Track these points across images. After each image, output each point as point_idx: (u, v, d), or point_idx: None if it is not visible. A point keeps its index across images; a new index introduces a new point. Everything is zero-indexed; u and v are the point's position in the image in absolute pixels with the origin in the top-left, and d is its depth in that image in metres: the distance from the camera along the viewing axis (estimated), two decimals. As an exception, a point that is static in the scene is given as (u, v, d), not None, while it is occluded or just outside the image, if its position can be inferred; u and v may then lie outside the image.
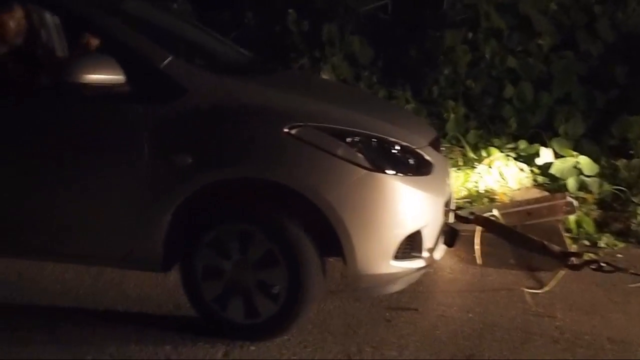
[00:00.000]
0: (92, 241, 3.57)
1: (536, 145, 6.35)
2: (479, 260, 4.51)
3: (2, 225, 3.62)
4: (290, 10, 7.52)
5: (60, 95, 3.47)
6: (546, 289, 4.22)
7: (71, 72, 3.31)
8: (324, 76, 6.91)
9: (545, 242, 3.88)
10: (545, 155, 6.17)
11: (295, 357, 3.44)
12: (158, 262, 3.51)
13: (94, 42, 4.03)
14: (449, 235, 3.76)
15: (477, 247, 4.45)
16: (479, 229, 4.30)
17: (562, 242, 4.22)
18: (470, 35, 7.23)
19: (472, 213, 4.05)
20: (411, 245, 3.48)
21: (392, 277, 3.50)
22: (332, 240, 3.36)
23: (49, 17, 4.61)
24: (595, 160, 6.01)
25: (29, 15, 4.04)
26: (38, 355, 3.38)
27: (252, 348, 3.49)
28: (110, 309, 3.91)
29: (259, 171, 3.37)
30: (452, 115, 6.87)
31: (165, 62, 3.42)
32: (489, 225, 4.11)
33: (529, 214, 4.38)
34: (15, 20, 3.91)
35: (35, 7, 4.17)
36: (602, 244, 5.12)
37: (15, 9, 3.90)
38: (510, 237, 4.09)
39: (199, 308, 3.59)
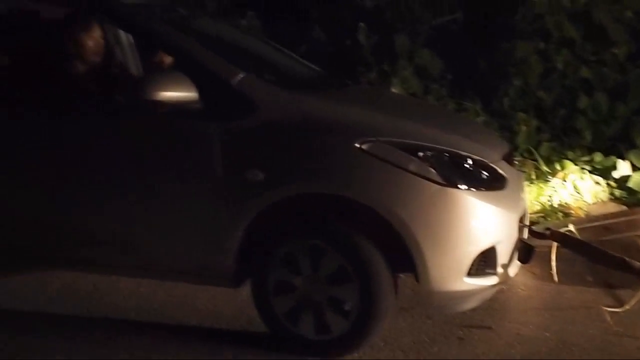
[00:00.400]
0: (166, 256, 3.62)
1: (612, 157, 6.16)
2: (555, 278, 4.39)
3: (79, 240, 3.70)
4: (361, 24, 7.51)
5: (135, 113, 3.53)
6: (626, 307, 4.06)
7: (146, 90, 3.36)
8: (394, 90, 6.87)
9: (626, 258, 3.74)
10: (623, 168, 5.98)
11: (366, 375, 3.41)
12: (230, 277, 3.54)
13: (167, 59, 4.13)
14: (524, 251, 3.67)
15: (553, 263, 4.33)
16: (555, 244, 4.19)
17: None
18: (541, 45, 7.08)
19: (547, 228, 3.94)
20: (485, 261, 3.42)
21: (466, 294, 3.44)
22: (404, 256, 3.32)
23: (123, 36, 4.75)
24: (676, 172, 5.80)
25: (105, 34, 4.15)
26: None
27: (324, 365, 3.47)
28: (183, 323, 3.95)
29: (331, 187, 3.35)
30: (524, 128, 6.72)
31: (238, 78, 3.45)
32: (565, 240, 4.00)
33: (607, 229, 4.26)
34: (93, 39, 4.01)
35: (110, 26, 4.29)
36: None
37: (93, 28, 4.00)
38: (589, 253, 3.96)
39: (270, 323, 3.59)
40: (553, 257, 4.32)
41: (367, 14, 7.70)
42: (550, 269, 4.41)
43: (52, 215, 3.71)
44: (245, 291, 3.89)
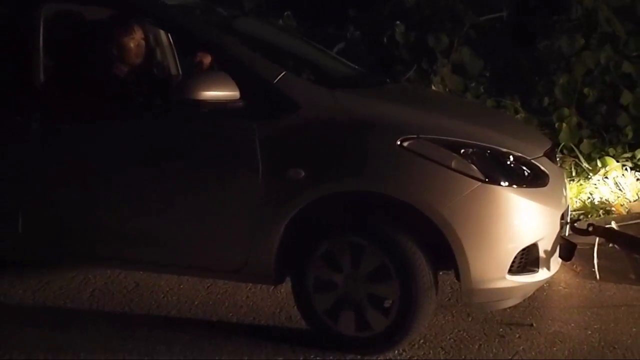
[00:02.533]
0: (207, 254, 3.65)
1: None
2: (597, 275, 4.35)
3: (123, 238, 3.75)
4: (397, 22, 7.50)
5: (179, 112, 3.57)
6: (670, 305, 4.03)
7: (188, 89, 3.40)
8: (434, 87, 6.84)
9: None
10: (664, 164, 5.91)
11: (407, 372, 3.41)
12: (270, 274, 3.55)
13: (206, 60, 4.17)
14: (566, 248, 3.63)
15: (595, 260, 4.28)
16: (597, 241, 4.14)
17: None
18: (583, 42, 6.99)
19: (590, 224, 3.89)
20: (527, 258, 3.40)
21: (507, 292, 3.42)
22: (444, 253, 3.31)
23: (164, 36, 4.81)
24: None
25: (146, 35, 4.19)
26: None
27: (364, 362, 3.48)
28: (224, 320, 3.98)
29: (372, 184, 3.36)
30: (565, 125, 6.66)
31: (279, 77, 3.47)
32: (610, 235, 3.96)
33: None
34: (135, 41, 4.06)
35: (151, 26, 4.34)
36: None
37: (135, 30, 4.05)
38: (636, 246, 3.91)
39: (311, 320, 3.61)
40: (595, 254, 4.27)
41: (405, 12, 7.67)
42: (592, 267, 4.37)
43: (96, 214, 3.76)
44: (285, 288, 3.93)
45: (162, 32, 4.82)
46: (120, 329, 3.83)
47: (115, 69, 4.01)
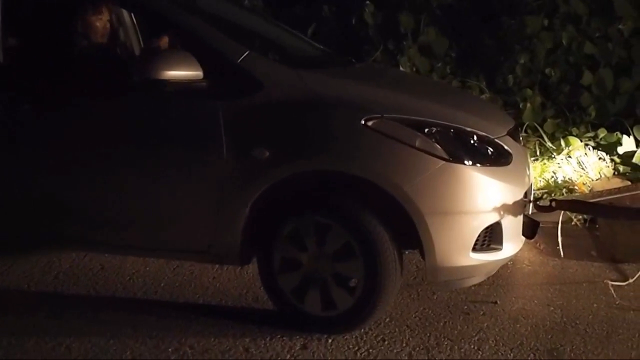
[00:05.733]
0: (173, 235, 3.63)
1: (617, 133, 6.16)
2: (562, 253, 4.42)
3: (87, 220, 3.72)
4: (367, 2, 7.48)
5: (141, 92, 3.54)
6: (630, 281, 4.10)
7: (151, 69, 3.37)
8: (401, 68, 6.85)
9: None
10: (627, 143, 5.98)
11: (372, 350, 3.43)
12: (236, 255, 3.55)
13: (168, 39, 4.13)
14: (529, 226, 3.68)
15: (559, 238, 4.35)
16: (560, 219, 4.21)
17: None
18: (546, 22, 7.04)
19: (552, 200, 3.93)
20: (490, 237, 3.44)
21: (471, 270, 3.45)
22: (409, 232, 3.34)
23: (127, 16, 4.75)
24: (681, 148, 5.79)
25: (110, 15, 4.14)
26: (120, 347, 3.46)
27: (330, 341, 3.49)
28: (190, 301, 3.98)
29: (336, 164, 3.37)
30: (529, 105, 6.71)
31: (242, 57, 3.45)
32: (574, 205, 4.02)
33: (611, 204, 4.26)
34: (102, 22, 4.01)
35: (114, 6, 4.29)
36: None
37: (103, 10, 4.00)
38: (600, 212, 3.99)
39: (277, 300, 3.62)
40: (559, 231, 4.33)
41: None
42: (556, 245, 4.44)
43: (59, 196, 3.72)
44: (252, 269, 3.93)
45: (125, 12, 4.76)
46: (85, 312, 3.81)
47: (79, 48, 3.96)
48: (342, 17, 7.82)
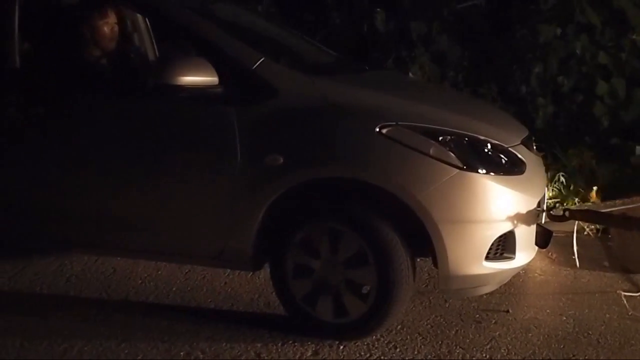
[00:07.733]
0: (185, 240, 3.64)
1: (630, 143, 6.14)
2: (577, 263, 4.41)
3: (100, 224, 3.73)
4: (378, 9, 7.49)
5: (156, 97, 3.55)
6: (643, 292, 4.10)
7: (166, 74, 3.39)
8: (411, 75, 6.85)
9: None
10: (640, 153, 5.97)
11: (384, 357, 3.42)
12: (248, 260, 3.56)
13: (185, 44, 4.14)
14: (542, 235, 3.66)
15: (575, 247, 4.34)
16: (575, 229, 4.20)
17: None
18: (559, 31, 7.03)
19: (566, 209, 3.92)
20: (503, 245, 3.43)
21: (484, 279, 3.45)
22: (422, 240, 3.33)
23: (141, 21, 4.77)
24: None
25: (121, 19, 4.16)
26: (131, 351, 3.46)
27: (341, 347, 3.49)
28: (202, 306, 3.98)
29: (350, 171, 3.37)
30: (541, 113, 6.70)
31: (258, 63, 3.46)
32: (587, 215, 4.00)
33: (624, 215, 4.24)
34: (109, 25, 4.03)
35: (127, 11, 4.30)
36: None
37: (109, 14, 4.02)
38: (613, 222, 3.98)
39: (289, 306, 3.62)
40: (575, 241, 4.32)
41: (384, 1, 7.65)
42: (570, 254, 4.44)
43: (71, 198, 3.74)
44: (264, 275, 3.93)
45: (140, 17, 4.78)
46: (97, 315, 3.82)
47: (88, 53, 3.98)
48: (352, 23, 7.83)
